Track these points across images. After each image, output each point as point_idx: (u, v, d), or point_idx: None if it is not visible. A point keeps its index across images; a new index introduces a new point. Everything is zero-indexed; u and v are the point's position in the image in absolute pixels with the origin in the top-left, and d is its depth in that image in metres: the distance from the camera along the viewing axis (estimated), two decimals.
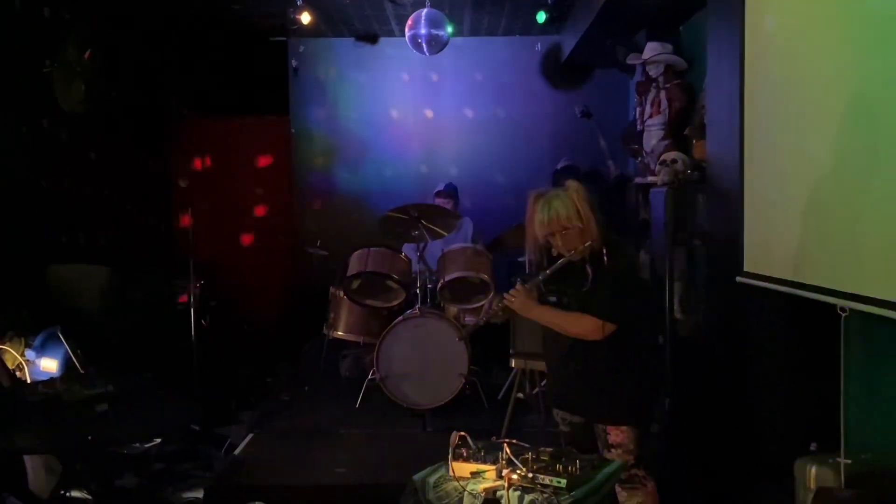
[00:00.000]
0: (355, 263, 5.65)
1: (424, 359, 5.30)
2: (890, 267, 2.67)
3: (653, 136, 5.79)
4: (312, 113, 8.19)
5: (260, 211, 8.36)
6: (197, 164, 8.28)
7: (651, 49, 5.78)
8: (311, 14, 6.87)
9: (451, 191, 6.62)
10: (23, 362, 4.61)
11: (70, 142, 6.02)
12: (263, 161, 8.38)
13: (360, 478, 4.28)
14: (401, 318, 5.45)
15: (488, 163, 8.08)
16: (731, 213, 3.99)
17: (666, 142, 5.61)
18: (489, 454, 2.64)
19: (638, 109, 6.22)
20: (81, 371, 4.49)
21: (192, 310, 5.61)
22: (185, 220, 6.06)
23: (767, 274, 3.61)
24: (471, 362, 5.31)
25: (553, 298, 3.19)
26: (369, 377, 5.50)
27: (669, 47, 5.77)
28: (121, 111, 6.75)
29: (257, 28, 7.68)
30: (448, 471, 2.64)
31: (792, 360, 3.71)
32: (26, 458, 4.12)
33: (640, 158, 6.19)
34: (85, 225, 6.16)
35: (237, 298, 7.57)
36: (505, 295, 3.18)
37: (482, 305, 5.46)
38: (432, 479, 2.65)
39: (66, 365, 4.58)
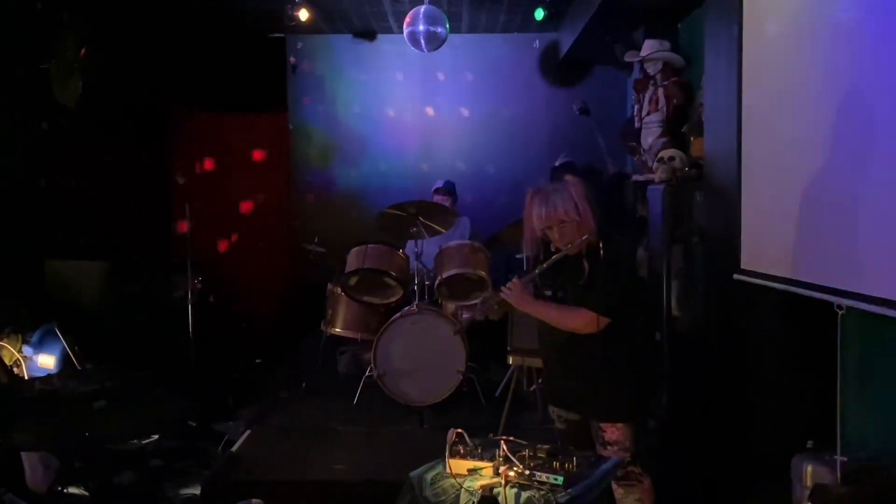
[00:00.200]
0: (353, 260, 5.64)
1: (422, 356, 5.30)
2: (887, 264, 2.68)
3: (650, 133, 5.79)
4: (310, 110, 8.19)
5: (257, 207, 8.35)
6: (195, 160, 8.27)
7: (649, 46, 5.77)
8: (309, 11, 6.87)
9: (449, 188, 6.62)
10: (20, 358, 4.61)
11: (67, 138, 6.01)
12: (261, 158, 8.37)
13: (358, 475, 4.28)
14: (398, 314, 5.45)
15: (486, 160, 8.08)
16: (729, 210, 3.99)
17: (664, 139, 5.61)
18: (486, 451, 2.65)
19: (636, 107, 6.22)
20: (79, 367, 4.49)
21: (189, 306, 5.61)
22: (183, 217, 6.05)
23: (764, 271, 3.61)
24: (468, 359, 5.31)
25: (549, 293, 3.21)
26: (367, 374, 5.51)
27: (667, 44, 5.77)
28: (118, 107, 6.73)
29: (256, 25, 7.67)
30: (445, 468, 2.64)
31: (789, 357, 3.72)
32: (24, 454, 4.12)
33: (637, 156, 6.19)
34: (82, 221, 6.15)
35: (235, 295, 7.57)
36: (501, 288, 3.19)
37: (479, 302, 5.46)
38: (429, 476, 2.66)
39: (64, 361, 4.59)
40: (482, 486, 2.50)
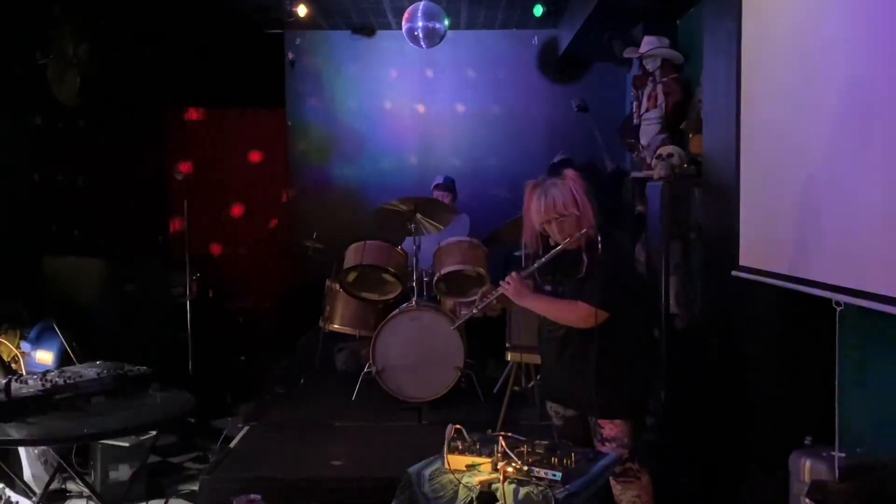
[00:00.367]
0: (351, 256, 5.64)
1: (420, 352, 5.30)
2: (885, 261, 2.68)
3: (649, 130, 5.79)
4: (309, 106, 8.18)
5: (256, 203, 8.34)
6: (193, 156, 8.26)
7: (648, 43, 5.77)
8: (307, 7, 6.86)
9: (449, 184, 6.61)
10: (18, 354, 4.60)
11: (65, 134, 6.00)
12: (259, 154, 8.36)
13: (356, 470, 4.28)
14: (397, 311, 5.45)
15: (484, 156, 8.08)
16: (727, 207, 3.99)
17: (662, 136, 5.61)
18: (485, 447, 2.65)
19: (634, 103, 6.22)
20: (77, 363, 4.49)
21: (187, 302, 5.60)
22: (181, 213, 6.04)
23: (763, 268, 3.61)
24: (467, 355, 5.31)
25: (548, 288, 3.21)
26: (365, 370, 5.50)
27: (666, 41, 5.77)
28: (116, 104, 6.72)
29: (254, 20, 7.66)
30: (443, 463, 2.64)
31: (787, 353, 3.72)
32: (22, 450, 4.13)
33: (636, 152, 6.19)
34: (80, 217, 6.15)
35: (233, 291, 7.57)
36: (500, 282, 3.19)
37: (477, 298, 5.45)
38: (428, 472, 2.66)
39: (62, 357, 4.58)
40: (480, 482, 2.50)
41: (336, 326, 5.90)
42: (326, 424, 5.13)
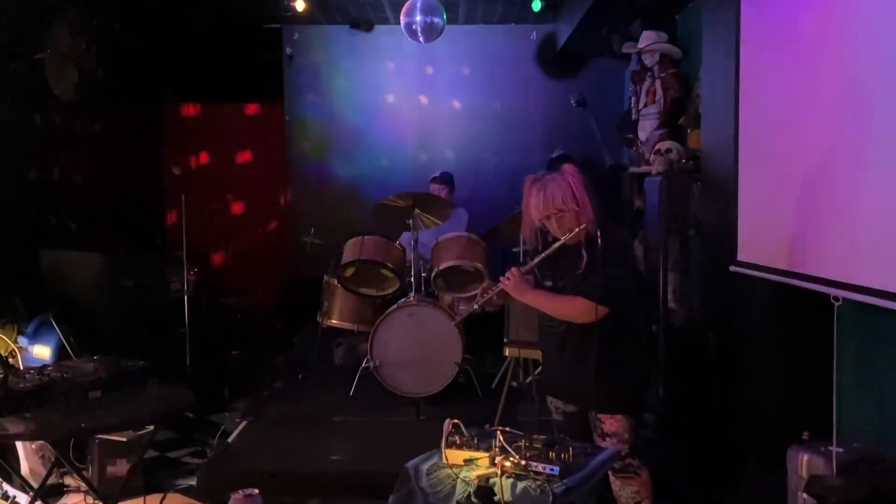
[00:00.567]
0: (349, 251, 5.64)
1: (418, 347, 5.30)
2: (883, 256, 2.68)
3: (648, 125, 5.79)
4: (307, 100, 8.17)
5: (253, 199, 8.33)
6: (190, 151, 8.25)
7: (646, 38, 5.77)
8: (305, 1, 6.84)
9: (446, 178, 6.59)
10: (15, 349, 4.59)
11: (62, 128, 5.99)
12: (257, 148, 8.35)
13: (354, 465, 4.28)
14: (395, 306, 5.45)
15: (483, 151, 8.06)
16: (726, 202, 3.99)
17: (661, 131, 5.61)
18: (482, 442, 2.64)
19: (633, 99, 6.22)
20: (74, 358, 4.48)
21: (185, 297, 5.60)
22: (178, 208, 6.03)
23: (761, 263, 3.62)
24: (465, 351, 5.32)
25: (549, 283, 3.20)
26: (363, 365, 5.50)
27: (665, 36, 5.76)
28: (114, 99, 6.71)
29: (252, 15, 7.64)
30: (441, 458, 2.64)
31: (785, 348, 3.72)
32: (19, 445, 4.12)
33: (634, 148, 6.19)
34: (78, 212, 6.14)
35: (231, 286, 7.56)
36: (500, 278, 3.19)
37: (476, 294, 5.45)
38: (426, 467, 2.65)
39: (59, 352, 4.57)
40: (478, 477, 2.50)
41: (334, 322, 5.90)
42: (324, 419, 5.13)
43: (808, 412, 3.44)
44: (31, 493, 3.82)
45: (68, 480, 4.27)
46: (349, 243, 5.68)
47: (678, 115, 5.64)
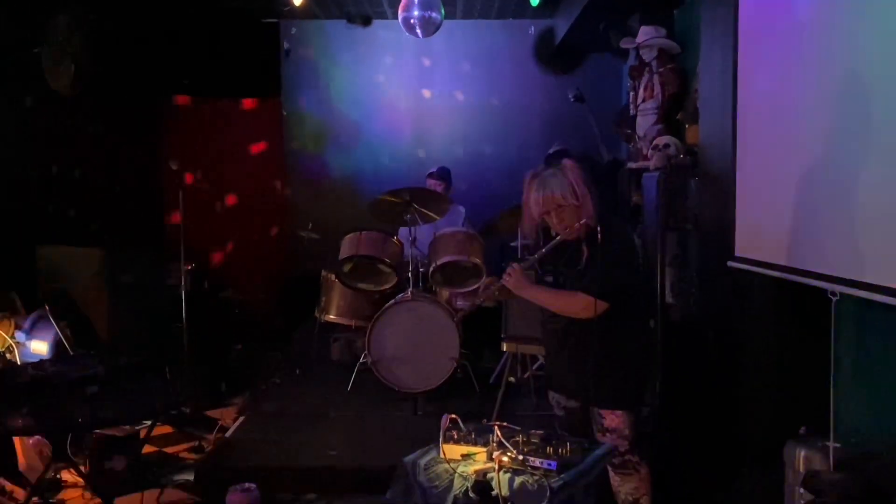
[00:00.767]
0: (347, 247, 5.63)
1: (416, 342, 5.30)
2: (881, 251, 2.68)
3: (646, 120, 5.78)
4: (304, 95, 8.15)
5: (251, 194, 8.31)
6: (188, 146, 8.22)
7: (644, 33, 5.76)
8: None
9: (443, 173, 6.59)
10: (13, 344, 4.59)
11: (60, 123, 5.98)
12: (255, 144, 8.33)
13: (351, 460, 4.29)
14: (393, 301, 5.44)
15: (480, 146, 8.06)
16: (723, 197, 3.99)
17: (659, 126, 5.60)
18: (480, 437, 2.65)
19: (631, 94, 6.21)
20: (71, 353, 4.48)
21: (182, 293, 5.59)
22: (176, 203, 6.02)
23: (759, 258, 3.61)
24: (462, 346, 5.31)
25: (549, 279, 3.20)
26: (361, 360, 5.51)
27: (663, 31, 5.75)
28: (111, 93, 6.69)
29: (249, 10, 7.62)
30: (439, 453, 2.65)
31: (782, 344, 3.72)
32: (16, 439, 4.12)
33: (632, 143, 6.18)
34: (75, 207, 6.13)
35: (229, 281, 7.55)
36: (503, 274, 3.19)
37: (474, 289, 5.45)
38: (423, 461, 2.66)
39: (57, 347, 4.57)
40: (476, 471, 2.50)
41: (332, 317, 5.90)
42: (322, 414, 5.14)
43: (806, 407, 3.44)
44: (28, 489, 3.83)
45: (65, 475, 4.27)
46: (347, 238, 5.67)
47: (676, 111, 5.63)
